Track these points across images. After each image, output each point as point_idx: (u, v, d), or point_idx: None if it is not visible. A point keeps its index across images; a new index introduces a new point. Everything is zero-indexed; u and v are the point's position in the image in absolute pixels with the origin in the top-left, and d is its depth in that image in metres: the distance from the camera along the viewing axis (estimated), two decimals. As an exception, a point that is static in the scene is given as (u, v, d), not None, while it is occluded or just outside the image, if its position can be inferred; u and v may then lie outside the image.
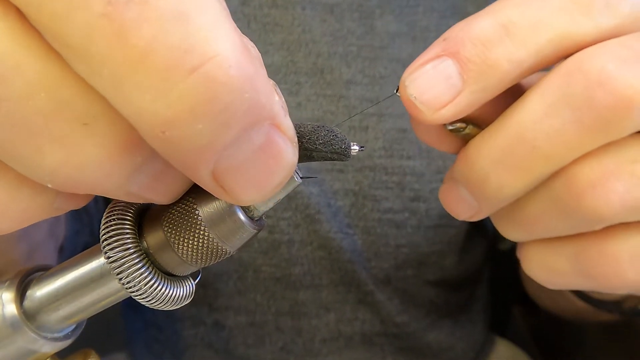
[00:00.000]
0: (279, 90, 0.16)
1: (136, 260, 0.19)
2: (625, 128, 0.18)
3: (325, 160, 0.20)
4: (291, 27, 0.46)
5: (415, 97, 0.20)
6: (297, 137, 0.18)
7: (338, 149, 0.20)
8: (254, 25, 0.46)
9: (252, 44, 0.16)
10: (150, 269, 0.19)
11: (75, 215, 0.44)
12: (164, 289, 0.19)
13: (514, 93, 0.21)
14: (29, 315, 0.20)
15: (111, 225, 0.19)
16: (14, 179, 0.16)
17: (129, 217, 0.19)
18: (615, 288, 0.21)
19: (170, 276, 0.20)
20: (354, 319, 0.50)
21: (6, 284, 0.20)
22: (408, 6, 0.48)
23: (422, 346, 0.52)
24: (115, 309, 0.23)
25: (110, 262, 0.18)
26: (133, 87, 0.13)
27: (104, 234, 0.19)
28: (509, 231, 0.24)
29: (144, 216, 0.20)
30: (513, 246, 0.50)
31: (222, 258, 0.19)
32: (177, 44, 0.13)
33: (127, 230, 0.19)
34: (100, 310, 0.21)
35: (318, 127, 0.20)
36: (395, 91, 0.21)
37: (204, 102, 0.13)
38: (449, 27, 0.21)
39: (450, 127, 0.22)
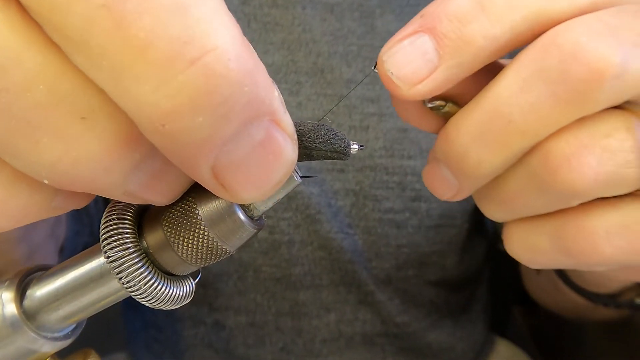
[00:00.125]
0: (277, 88, 0.16)
1: (136, 260, 0.19)
2: (598, 100, 0.18)
3: (325, 159, 0.20)
4: (291, 27, 0.46)
5: (392, 72, 0.20)
6: (297, 135, 0.18)
7: (338, 147, 0.20)
8: (254, 25, 0.46)
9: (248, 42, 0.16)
10: (150, 268, 0.19)
11: (75, 216, 0.44)
12: (163, 288, 0.19)
13: (495, 74, 0.21)
14: (29, 315, 0.20)
15: (111, 225, 0.19)
16: (11, 174, 0.15)
17: (128, 217, 0.19)
18: (593, 264, 0.21)
19: (170, 276, 0.20)
20: (354, 319, 0.50)
21: (6, 283, 0.20)
22: (408, 5, 0.48)
23: (423, 346, 0.52)
24: (115, 309, 0.23)
25: (110, 262, 0.18)
26: (132, 78, 0.13)
27: (104, 234, 0.19)
28: (491, 210, 0.24)
29: (144, 216, 0.20)
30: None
31: (222, 258, 0.19)
32: (176, 35, 0.13)
33: (127, 230, 0.19)
34: (100, 310, 0.21)
35: (318, 125, 0.20)
36: (373, 67, 0.21)
37: (204, 94, 0.13)
38: None
39: (430, 105, 0.22)
